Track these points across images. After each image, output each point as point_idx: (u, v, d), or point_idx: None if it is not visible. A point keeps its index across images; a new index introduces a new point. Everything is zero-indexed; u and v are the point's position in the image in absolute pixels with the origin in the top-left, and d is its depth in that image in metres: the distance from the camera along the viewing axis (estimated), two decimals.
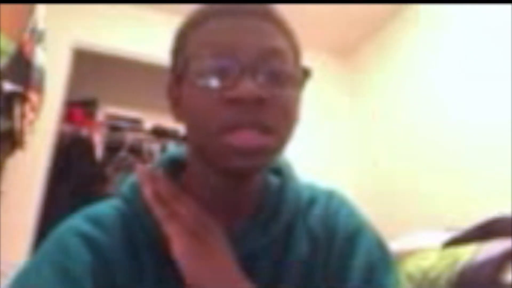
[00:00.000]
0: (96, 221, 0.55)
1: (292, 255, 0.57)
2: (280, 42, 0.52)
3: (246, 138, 0.48)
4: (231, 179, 0.54)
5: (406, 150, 2.45)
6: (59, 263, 0.50)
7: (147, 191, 0.51)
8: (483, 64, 2.00)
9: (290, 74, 0.52)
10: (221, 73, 0.49)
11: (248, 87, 0.47)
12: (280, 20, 0.54)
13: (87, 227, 0.54)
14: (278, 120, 0.50)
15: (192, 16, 0.55)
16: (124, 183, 0.60)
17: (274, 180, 0.62)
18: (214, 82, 0.49)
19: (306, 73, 0.56)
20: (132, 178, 0.60)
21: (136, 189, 0.57)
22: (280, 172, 0.63)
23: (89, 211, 0.57)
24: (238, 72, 0.48)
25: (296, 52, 0.56)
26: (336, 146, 3.00)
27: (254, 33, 0.51)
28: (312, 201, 0.62)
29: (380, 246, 0.60)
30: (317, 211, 0.61)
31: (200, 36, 0.52)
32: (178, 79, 0.55)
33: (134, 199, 0.56)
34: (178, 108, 0.56)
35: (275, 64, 0.50)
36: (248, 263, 0.53)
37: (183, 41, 0.55)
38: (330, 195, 0.64)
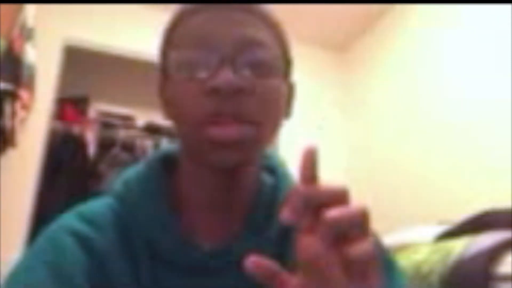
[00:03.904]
0: (89, 220, 0.53)
1: (289, 257, 0.53)
2: (261, 33, 0.51)
3: (224, 129, 0.47)
4: (221, 175, 0.52)
5: (399, 145, 2.46)
6: (53, 263, 0.49)
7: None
8: (475, 61, 2.01)
9: (273, 65, 0.51)
10: (201, 64, 0.48)
11: (226, 77, 0.46)
12: (264, 13, 0.53)
13: (80, 226, 0.52)
14: (259, 111, 0.48)
15: (175, 14, 0.54)
16: (116, 179, 0.59)
17: (268, 179, 0.60)
18: (194, 74, 0.49)
19: (289, 63, 0.55)
20: (125, 174, 0.58)
21: (129, 186, 0.56)
22: (274, 171, 0.62)
23: (82, 210, 0.56)
24: (217, 63, 0.48)
25: (283, 46, 0.55)
26: (329, 142, 3.01)
27: (234, 24, 0.50)
28: None
29: (381, 249, 0.59)
30: None
31: (181, 31, 0.52)
32: (165, 77, 0.54)
33: (127, 197, 0.56)
34: (167, 106, 0.56)
35: (256, 55, 0.49)
36: (243, 266, 0.52)
37: (167, 39, 0.55)
38: None
